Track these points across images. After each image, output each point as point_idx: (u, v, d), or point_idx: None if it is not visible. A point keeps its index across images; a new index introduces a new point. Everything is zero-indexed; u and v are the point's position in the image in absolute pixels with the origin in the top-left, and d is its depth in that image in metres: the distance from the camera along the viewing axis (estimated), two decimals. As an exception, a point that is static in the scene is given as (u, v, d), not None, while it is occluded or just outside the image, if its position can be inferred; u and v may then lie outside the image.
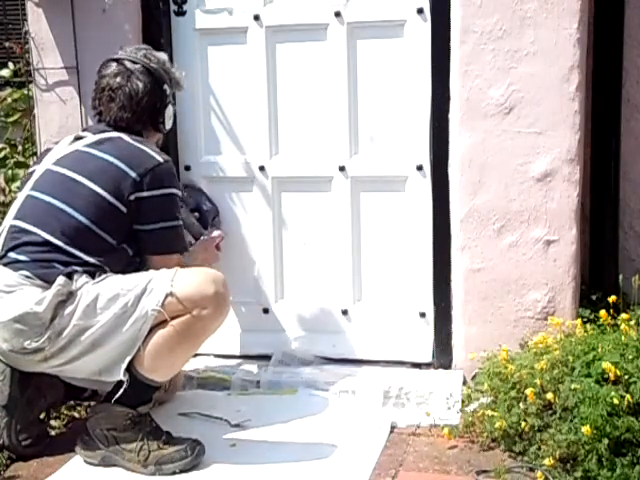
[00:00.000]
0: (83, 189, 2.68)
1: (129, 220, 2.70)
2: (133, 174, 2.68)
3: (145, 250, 2.76)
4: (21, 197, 2.77)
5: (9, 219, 2.74)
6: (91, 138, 2.80)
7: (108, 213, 2.67)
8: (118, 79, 2.81)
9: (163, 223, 2.73)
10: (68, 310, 2.57)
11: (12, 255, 2.65)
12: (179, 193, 2.80)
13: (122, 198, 2.67)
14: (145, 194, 2.68)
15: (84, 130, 2.92)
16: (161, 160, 2.73)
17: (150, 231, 2.72)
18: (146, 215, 2.71)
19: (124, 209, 2.68)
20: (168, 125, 2.92)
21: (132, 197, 2.67)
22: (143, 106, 2.81)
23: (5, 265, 2.64)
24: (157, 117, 2.86)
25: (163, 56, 2.94)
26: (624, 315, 2.78)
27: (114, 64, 2.83)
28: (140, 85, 2.80)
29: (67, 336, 2.57)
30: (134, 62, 2.82)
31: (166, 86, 2.86)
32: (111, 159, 2.70)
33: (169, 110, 2.90)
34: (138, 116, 2.82)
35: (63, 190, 2.69)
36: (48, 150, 2.87)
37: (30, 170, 2.88)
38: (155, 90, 2.82)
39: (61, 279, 2.57)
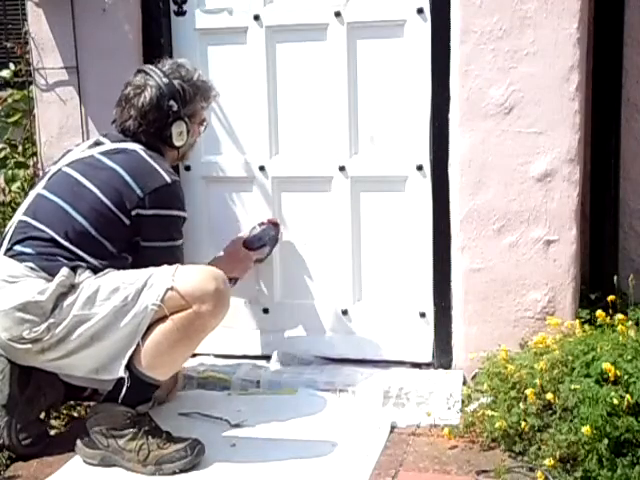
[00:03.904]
0: (89, 195, 2.72)
1: (131, 232, 2.74)
2: (138, 190, 2.71)
3: (140, 264, 2.75)
4: (32, 195, 2.82)
5: (18, 215, 2.78)
6: (108, 146, 2.83)
7: (110, 222, 2.71)
8: (130, 89, 2.86)
9: (160, 242, 2.78)
10: (68, 301, 2.60)
11: (18, 248, 2.69)
12: (182, 214, 2.83)
13: (125, 211, 2.71)
14: (146, 212, 2.72)
15: (104, 136, 2.93)
16: (169, 181, 2.75)
17: (146, 247, 2.77)
18: (145, 232, 2.75)
19: (127, 222, 2.72)
20: (177, 142, 2.89)
21: (134, 212, 2.71)
22: (149, 120, 2.83)
23: (11, 257, 2.68)
24: (165, 132, 2.86)
25: (191, 73, 2.92)
26: (620, 316, 2.77)
27: (138, 75, 2.88)
28: (147, 99, 2.82)
29: (66, 327, 2.59)
30: (150, 76, 2.84)
31: (173, 102, 2.84)
32: (120, 171, 2.74)
33: (178, 126, 2.87)
34: (144, 128, 2.84)
35: (71, 193, 2.73)
36: (68, 151, 2.90)
37: (47, 169, 2.92)
38: (161, 106, 2.83)
39: (65, 270, 2.60)
